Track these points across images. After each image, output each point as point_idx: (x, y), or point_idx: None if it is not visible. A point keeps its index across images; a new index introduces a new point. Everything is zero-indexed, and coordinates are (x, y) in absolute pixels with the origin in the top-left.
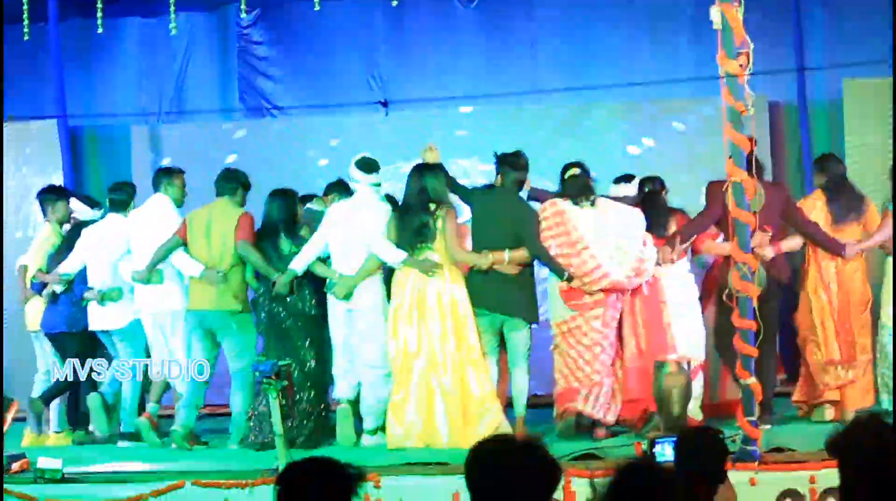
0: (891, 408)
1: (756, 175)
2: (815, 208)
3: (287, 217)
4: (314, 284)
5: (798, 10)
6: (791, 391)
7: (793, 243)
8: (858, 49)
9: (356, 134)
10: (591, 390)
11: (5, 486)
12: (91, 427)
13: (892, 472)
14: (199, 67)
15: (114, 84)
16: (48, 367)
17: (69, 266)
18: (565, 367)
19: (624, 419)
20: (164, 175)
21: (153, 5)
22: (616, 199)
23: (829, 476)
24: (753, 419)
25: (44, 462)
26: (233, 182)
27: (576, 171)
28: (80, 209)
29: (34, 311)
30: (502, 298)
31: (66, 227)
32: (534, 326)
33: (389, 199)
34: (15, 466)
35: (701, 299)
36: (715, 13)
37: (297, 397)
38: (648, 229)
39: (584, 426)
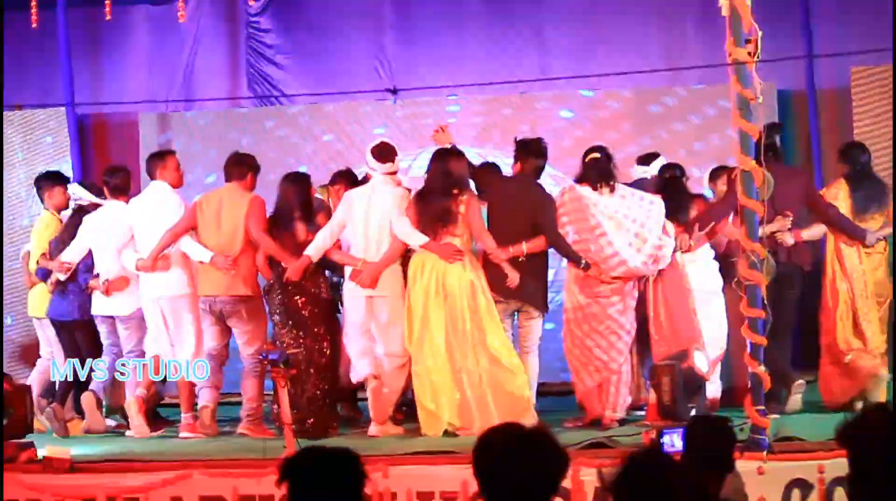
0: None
1: (776, 160)
2: (838, 198)
3: (302, 203)
4: (328, 269)
5: None
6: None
7: (814, 231)
8: (867, 37)
9: (364, 122)
10: (608, 387)
11: (15, 476)
12: (85, 426)
13: None
14: (207, 55)
15: (122, 72)
16: (51, 353)
17: (71, 254)
18: (582, 356)
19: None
20: (157, 160)
21: None
22: (637, 182)
23: (838, 466)
24: (762, 408)
25: (52, 452)
26: (242, 166)
27: (596, 155)
28: (83, 196)
29: (37, 297)
30: (518, 285)
31: (67, 214)
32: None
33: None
34: (23, 456)
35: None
36: (723, 0)
37: (310, 383)
38: (669, 216)
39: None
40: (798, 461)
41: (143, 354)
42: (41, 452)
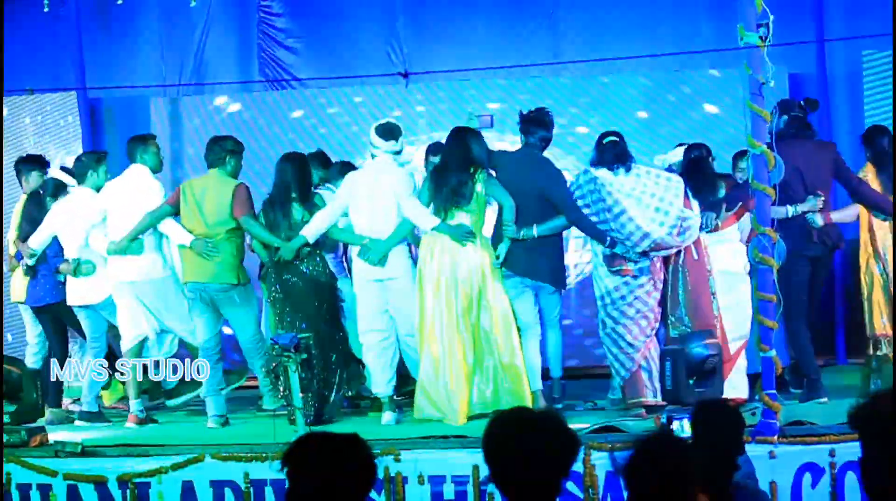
0: None
1: (806, 136)
2: (867, 181)
3: (300, 183)
4: (326, 251)
5: None
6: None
7: (845, 213)
8: (878, 21)
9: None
10: (648, 369)
11: (25, 459)
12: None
13: None
14: (218, 39)
15: (133, 55)
16: (37, 338)
17: (36, 240)
18: (615, 345)
19: None
20: (139, 143)
21: None
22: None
23: (850, 450)
24: (773, 392)
25: (63, 436)
26: (219, 152)
27: (614, 138)
28: (65, 180)
29: (17, 282)
30: (529, 263)
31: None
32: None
33: None
34: (34, 440)
35: None
36: None
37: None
38: (696, 196)
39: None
40: (809, 445)
41: (102, 349)
42: (52, 436)
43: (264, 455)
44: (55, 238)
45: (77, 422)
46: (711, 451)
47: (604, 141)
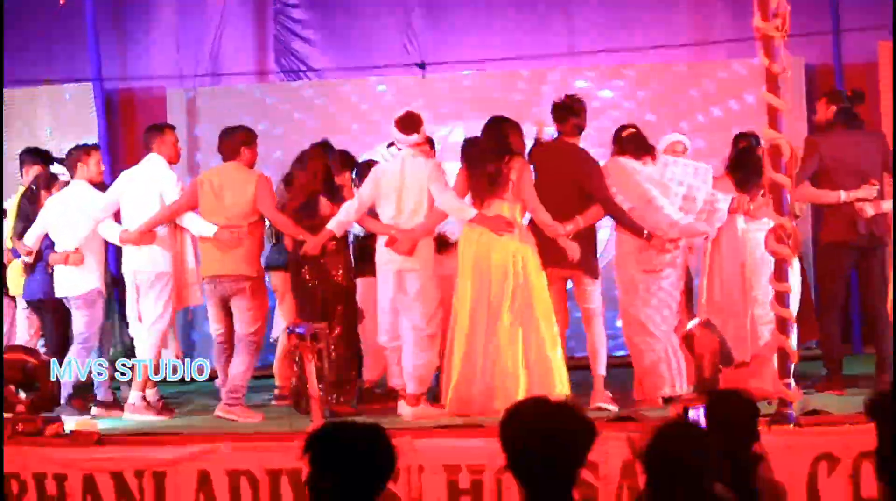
0: None
1: (854, 125)
2: None
3: (327, 177)
4: (350, 250)
5: None
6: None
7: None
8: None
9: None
10: (668, 361)
11: (42, 449)
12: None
13: None
14: (235, 30)
15: (149, 47)
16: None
17: (31, 237)
18: (637, 335)
19: None
20: (156, 133)
21: None
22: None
23: (865, 440)
24: (789, 381)
25: (80, 426)
26: (233, 142)
27: (632, 130)
28: (64, 174)
29: (13, 276)
30: (562, 253)
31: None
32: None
33: None
34: (50, 430)
35: None
36: None
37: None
38: (741, 186)
39: None
40: (825, 434)
41: (93, 346)
42: (68, 426)
43: (280, 443)
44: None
45: (93, 411)
46: (726, 440)
47: (623, 133)
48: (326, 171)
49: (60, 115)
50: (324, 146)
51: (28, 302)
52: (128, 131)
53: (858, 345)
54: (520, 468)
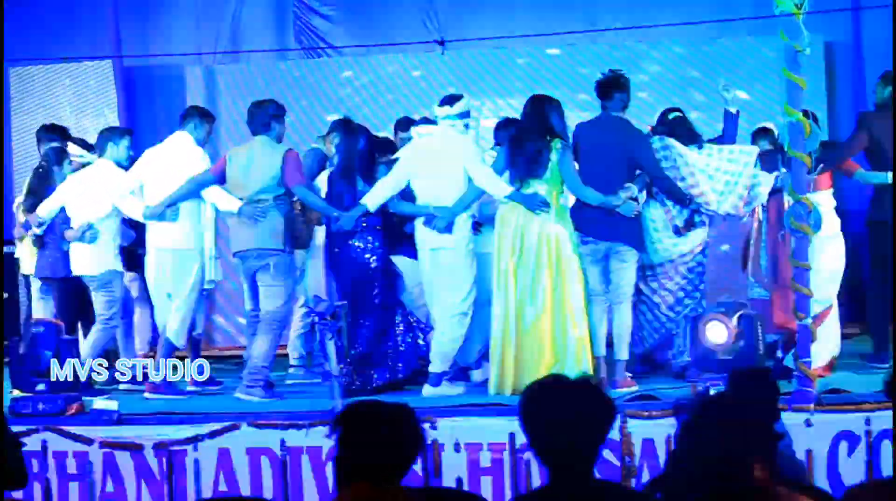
0: None
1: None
2: None
3: (364, 155)
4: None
5: None
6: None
7: None
8: None
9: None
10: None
11: (63, 427)
12: None
13: None
14: (254, 7)
15: (169, 24)
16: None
17: (45, 209)
18: (649, 312)
19: None
20: (198, 115)
21: None
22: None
23: (886, 419)
24: (809, 360)
25: (100, 404)
26: (262, 117)
27: (679, 114)
28: (77, 153)
29: (25, 253)
30: (611, 226)
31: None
32: None
33: None
34: (71, 408)
35: None
36: None
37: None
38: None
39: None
40: (845, 413)
41: (115, 326)
42: (89, 405)
43: (301, 423)
44: (63, 209)
45: (121, 386)
46: (747, 416)
47: (669, 116)
48: (362, 149)
49: (80, 92)
50: (359, 126)
51: (41, 280)
52: (147, 109)
53: None
54: (541, 447)
